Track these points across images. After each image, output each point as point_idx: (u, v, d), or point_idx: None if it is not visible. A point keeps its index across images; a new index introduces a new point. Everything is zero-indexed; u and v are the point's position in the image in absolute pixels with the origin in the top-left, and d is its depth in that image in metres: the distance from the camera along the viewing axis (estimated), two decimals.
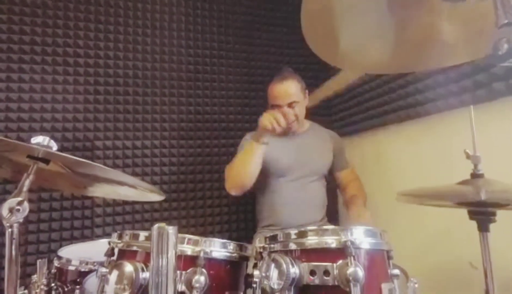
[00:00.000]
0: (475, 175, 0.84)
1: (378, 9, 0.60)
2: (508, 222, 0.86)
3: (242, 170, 1.39)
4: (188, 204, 1.97)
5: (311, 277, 0.52)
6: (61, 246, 1.66)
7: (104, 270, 0.59)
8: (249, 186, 1.43)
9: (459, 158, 1.28)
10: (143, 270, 0.52)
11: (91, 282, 0.94)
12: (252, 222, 1.97)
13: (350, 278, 0.49)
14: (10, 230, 0.67)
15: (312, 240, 0.56)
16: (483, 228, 0.83)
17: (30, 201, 1.69)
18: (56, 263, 1.13)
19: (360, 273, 0.49)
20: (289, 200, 1.52)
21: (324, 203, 1.61)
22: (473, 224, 0.85)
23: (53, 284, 1.00)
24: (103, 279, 0.59)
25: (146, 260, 0.56)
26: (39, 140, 0.68)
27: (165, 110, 1.96)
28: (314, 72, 2.20)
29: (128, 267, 0.51)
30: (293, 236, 0.59)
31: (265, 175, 1.58)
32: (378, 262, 0.57)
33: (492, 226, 0.83)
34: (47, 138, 0.70)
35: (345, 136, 2.09)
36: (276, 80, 1.52)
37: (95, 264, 1.10)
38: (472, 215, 0.84)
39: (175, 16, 2.02)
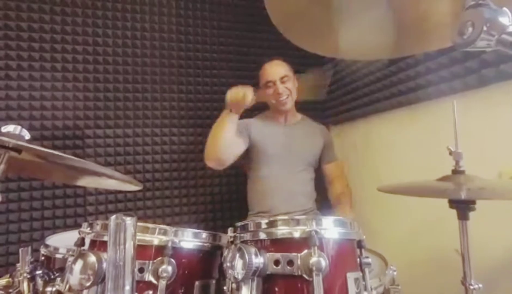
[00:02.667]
0: (457, 172, 0.83)
1: None
2: (487, 210, 0.86)
3: (215, 140, 1.40)
4: (180, 192, 1.97)
5: (275, 267, 0.52)
6: (54, 234, 1.69)
7: (72, 259, 0.59)
8: (225, 161, 1.44)
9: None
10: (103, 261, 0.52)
11: None
12: (238, 210, 1.97)
13: (313, 268, 0.48)
14: None
15: (279, 230, 0.55)
16: (462, 216, 0.82)
17: (21, 189, 1.71)
18: (43, 251, 1.14)
19: (323, 262, 0.49)
20: (277, 187, 1.53)
21: (312, 193, 1.63)
22: (453, 212, 0.85)
23: (39, 272, 1.00)
24: (68, 269, 0.59)
25: None
26: (10, 129, 0.67)
27: (156, 97, 1.94)
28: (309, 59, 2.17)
29: (91, 258, 0.51)
30: (263, 226, 0.58)
31: (254, 162, 1.61)
32: (346, 251, 0.56)
33: (471, 214, 0.83)
34: (19, 127, 0.69)
35: (337, 124, 2.07)
36: (266, 61, 1.61)
37: None
38: (452, 203, 0.83)
39: (166, 2, 1.98)
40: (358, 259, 0.58)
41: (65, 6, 1.79)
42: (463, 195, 0.79)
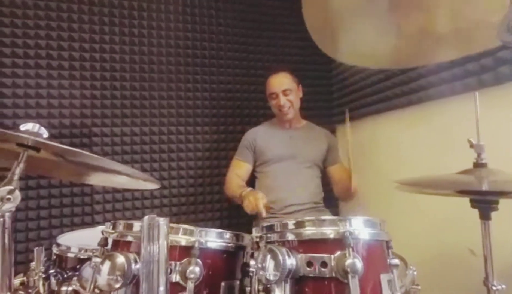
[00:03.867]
0: (478, 165, 0.81)
1: (380, 9, 0.59)
2: (510, 210, 0.84)
3: (234, 198, 1.63)
4: (188, 191, 1.96)
5: (308, 269, 0.51)
6: (62, 232, 1.68)
7: (97, 260, 0.58)
8: None
9: (461, 145, 1.26)
10: (136, 261, 0.51)
11: (89, 269, 0.93)
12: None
13: (348, 270, 0.47)
14: (1, 219, 0.66)
15: (309, 231, 0.54)
16: (484, 216, 0.81)
17: (28, 188, 1.70)
18: (55, 250, 1.13)
19: (359, 264, 0.48)
20: (283, 181, 1.62)
21: (319, 190, 1.69)
22: (473, 211, 0.83)
23: (52, 271, 0.99)
24: (96, 269, 0.58)
25: (140, 251, 0.55)
26: (29, 127, 0.66)
27: (163, 96, 1.93)
28: (317, 56, 2.16)
29: (120, 259, 0.50)
30: (291, 226, 0.57)
31: (261, 163, 1.71)
32: (377, 253, 0.55)
33: (493, 214, 0.81)
34: (37, 125, 0.68)
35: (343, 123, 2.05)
36: (272, 73, 1.73)
37: (95, 251, 1.10)
38: (474, 203, 0.82)
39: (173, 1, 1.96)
40: (388, 261, 0.57)
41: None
42: (485, 187, 0.77)
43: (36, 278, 0.88)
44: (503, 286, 0.79)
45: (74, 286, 0.84)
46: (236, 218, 2.01)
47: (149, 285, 0.40)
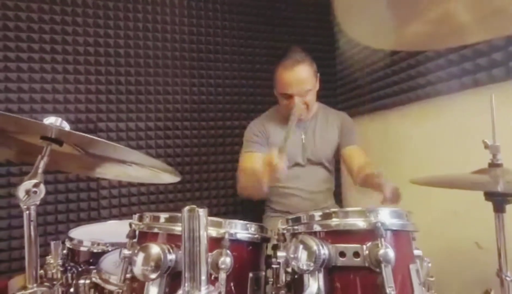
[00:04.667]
0: (493, 165, 0.82)
1: None
2: None
3: (255, 192, 1.34)
4: (193, 186, 1.97)
5: (341, 259, 0.52)
6: (68, 228, 1.68)
7: (127, 252, 0.58)
8: None
9: (471, 140, 1.27)
10: (169, 252, 0.52)
11: (107, 262, 0.94)
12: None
13: (381, 259, 0.48)
14: (27, 212, 0.66)
15: (338, 222, 0.55)
16: (498, 209, 0.83)
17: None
18: (68, 244, 1.13)
19: (391, 254, 0.49)
20: (295, 187, 1.49)
21: (331, 189, 1.60)
22: (481, 205, 0.85)
23: (66, 265, 1.00)
24: (127, 261, 0.58)
25: (170, 242, 0.55)
26: (52, 120, 0.66)
27: (177, 91, 1.92)
28: (321, 53, 2.16)
29: (155, 249, 0.51)
30: (317, 218, 0.58)
31: None
32: (405, 243, 0.57)
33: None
34: (59, 119, 0.68)
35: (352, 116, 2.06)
36: (286, 65, 1.31)
37: (108, 245, 1.11)
38: (488, 196, 0.84)
39: None
40: (414, 251, 0.58)
41: None
42: (500, 188, 0.79)
43: (54, 271, 0.88)
44: None
45: (94, 279, 0.85)
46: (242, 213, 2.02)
47: (191, 274, 0.41)
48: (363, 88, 1.92)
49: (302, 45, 2.08)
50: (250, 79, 2.09)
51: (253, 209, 1.83)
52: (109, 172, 0.98)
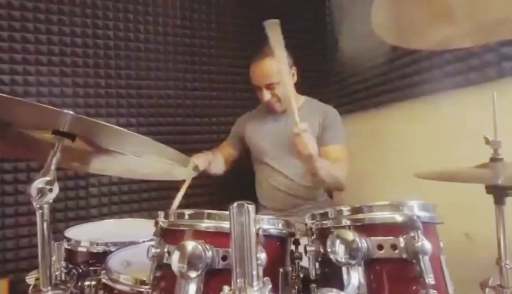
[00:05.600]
0: (495, 159, 0.87)
1: None
2: None
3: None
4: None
5: (380, 251, 0.53)
6: (56, 228, 1.60)
7: (155, 250, 0.56)
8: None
9: (466, 137, 1.33)
10: (207, 249, 0.51)
11: (114, 262, 0.91)
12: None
13: (419, 250, 0.50)
14: (40, 211, 0.62)
15: (372, 216, 0.56)
16: (499, 201, 0.88)
17: (18, 181, 1.60)
18: (65, 244, 1.08)
19: (428, 245, 0.51)
20: (280, 184, 1.51)
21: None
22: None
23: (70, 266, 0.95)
24: (156, 260, 0.56)
25: (197, 239, 0.54)
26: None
27: (169, 86, 1.87)
28: (313, 49, 2.18)
29: (196, 247, 0.49)
30: (346, 213, 0.59)
31: (255, 161, 1.65)
32: (434, 235, 0.59)
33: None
34: (71, 112, 0.64)
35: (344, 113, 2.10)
36: (256, 58, 1.45)
37: (109, 245, 1.06)
38: (489, 189, 0.88)
39: None
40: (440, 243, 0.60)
41: None
42: (500, 181, 0.84)
43: (57, 273, 0.84)
44: None
45: (103, 280, 0.81)
46: None
47: (243, 270, 0.40)
48: (357, 85, 1.96)
49: (294, 41, 2.12)
50: (244, 75, 2.07)
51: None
52: (120, 169, 0.94)
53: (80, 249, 1.09)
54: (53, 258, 0.89)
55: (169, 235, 0.59)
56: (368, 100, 1.86)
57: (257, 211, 1.62)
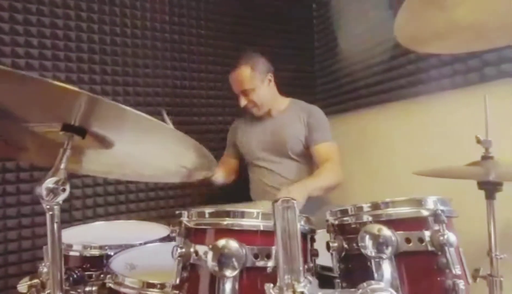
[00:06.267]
0: (486, 157, 0.93)
1: None
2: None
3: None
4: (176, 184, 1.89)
5: (407, 244, 0.55)
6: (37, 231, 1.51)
7: (181, 251, 0.54)
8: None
9: (451, 139, 1.41)
10: (242, 247, 0.50)
11: (117, 265, 0.87)
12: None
13: (446, 243, 0.52)
14: (51, 213, 0.58)
15: (397, 211, 0.58)
16: (490, 196, 0.94)
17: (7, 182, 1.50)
18: None
19: (453, 237, 0.53)
20: (271, 185, 1.55)
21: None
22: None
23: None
24: (182, 260, 0.54)
25: (230, 237, 0.53)
26: None
27: (157, 83, 1.82)
28: (300, 51, 2.21)
29: (230, 244, 0.48)
30: (367, 209, 0.61)
31: (247, 161, 1.69)
32: (452, 227, 0.62)
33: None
34: None
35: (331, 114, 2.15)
36: (233, 67, 1.56)
37: (106, 248, 1.01)
38: (481, 185, 0.95)
39: None
40: None
41: None
42: (491, 178, 0.90)
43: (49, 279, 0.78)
44: (505, 255, 0.93)
45: (109, 284, 0.77)
46: None
47: (290, 267, 0.40)
48: (343, 86, 2.01)
49: (283, 42, 2.15)
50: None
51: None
52: (116, 170, 0.88)
53: (72, 253, 1.03)
54: (44, 264, 0.84)
55: (196, 235, 0.57)
56: (357, 100, 1.92)
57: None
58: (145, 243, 1.09)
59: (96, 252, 1.01)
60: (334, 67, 2.08)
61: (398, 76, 1.65)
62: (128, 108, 0.51)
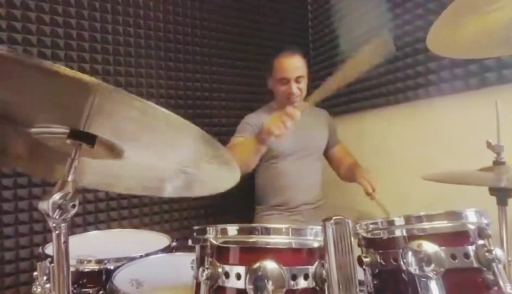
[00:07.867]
0: (498, 163, 0.93)
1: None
2: None
3: (243, 166, 1.32)
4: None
5: (453, 261, 0.52)
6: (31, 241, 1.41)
7: (207, 272, 0.49)
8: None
9: (447, 144, 1.40)
10: (281, 267, 0.45)
11: (120, 281, 0.80)
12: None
13: (494, 258, 0.50)
14: (57, 232, 0.51)
15: (437, 225, 0.55)
16: (501, 202, 0.94)
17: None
18: (48, 263, 0.93)
19: (500, 252, 0.51)
20: (293, 180, 1.55)
21: (321, 182, 1.67)
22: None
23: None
24: (209, 283, 0.49)
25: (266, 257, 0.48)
26: None
27: (161, 84, 1.76)
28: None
29: (272, 267, 0.43)
30: (399, 223, 0.57)
31: (267, 157, 1.58)
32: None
33: None
34: None
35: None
36: (286, 54, 1.52)
37: (105, 262, 0.94)
38: (492, 191, 0.94)
39: None
40: None
41: None
42: (503, 184, 0.89)
43: None
44: None
45: None
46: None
47: (347, 286, 0.36)
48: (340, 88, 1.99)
49: (278, 42, 2.12)
50: (228, 71, 2.01)
51: (242, 208, 1.75)
52: (122, 183, 0.80)
53: None
54: (37, 282, 0.76)
55: (225, 254, 0.52)
56: (352, 104, 1.91)
57: (255, 212, 1.62)
58: (146, 255, 1.02)
59: (94, 267, 0.93)
60: (330, 70, 2.06)
61: (394, 80, 1.66)
62: (158, 106, 0.44)
